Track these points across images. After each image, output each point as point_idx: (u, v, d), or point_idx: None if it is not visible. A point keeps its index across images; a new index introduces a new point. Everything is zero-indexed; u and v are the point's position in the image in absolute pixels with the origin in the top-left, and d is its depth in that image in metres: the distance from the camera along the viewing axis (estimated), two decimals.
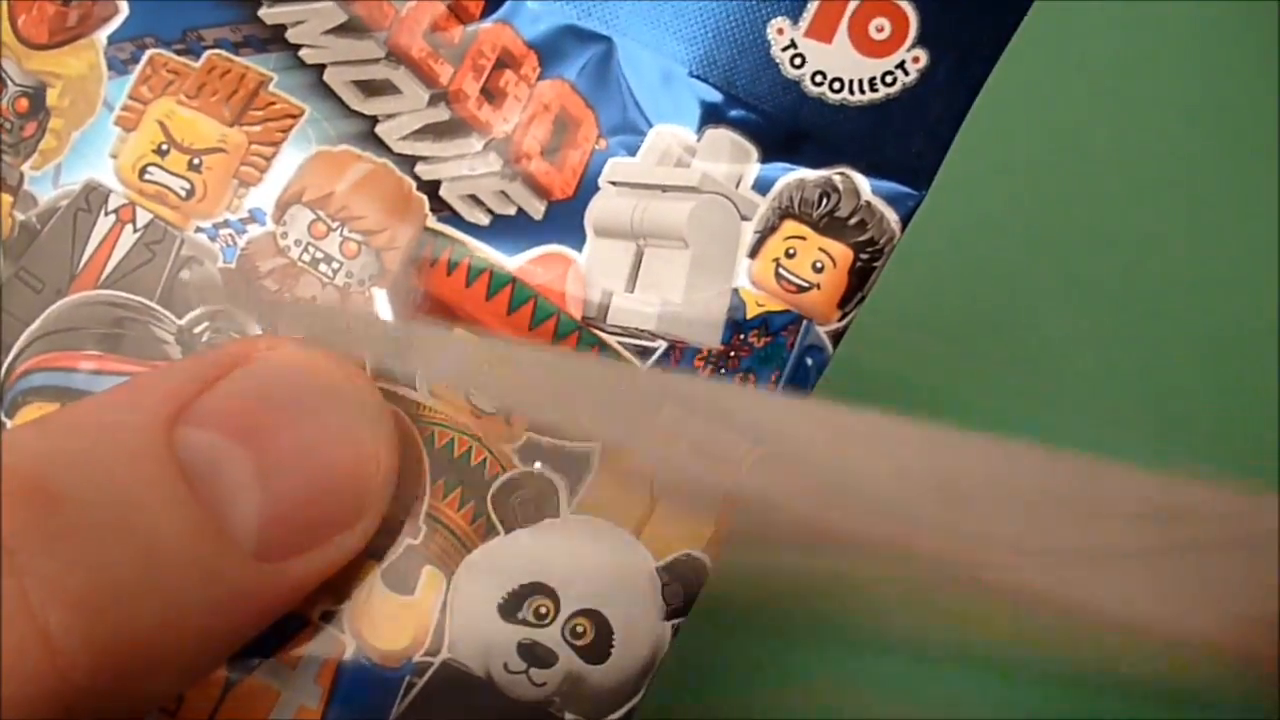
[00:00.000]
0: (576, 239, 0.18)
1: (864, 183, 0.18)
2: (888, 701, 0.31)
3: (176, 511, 0.15)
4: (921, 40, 0.18)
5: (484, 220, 0.18)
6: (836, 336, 0.18)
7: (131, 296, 0.18)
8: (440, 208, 0.18)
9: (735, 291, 0.18)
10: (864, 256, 0.18)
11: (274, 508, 0.16)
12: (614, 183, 0.18)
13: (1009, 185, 0.33)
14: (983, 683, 0.31)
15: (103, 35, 0.19)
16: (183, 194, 0.18)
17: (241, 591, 0.16)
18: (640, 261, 0.18)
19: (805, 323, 0.18)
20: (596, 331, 0.18)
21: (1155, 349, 0.33)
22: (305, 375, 0.17)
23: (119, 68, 0.18)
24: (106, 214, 0.18)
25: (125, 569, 0.14)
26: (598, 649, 0.18)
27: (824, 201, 0.18)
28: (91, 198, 0.18)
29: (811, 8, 0.18)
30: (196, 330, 0.18)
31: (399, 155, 0.18)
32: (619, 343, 0.18)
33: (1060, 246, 0.33)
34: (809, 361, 0.18)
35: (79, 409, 0.16)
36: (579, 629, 0.18)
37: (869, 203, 0.18)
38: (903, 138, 0.18)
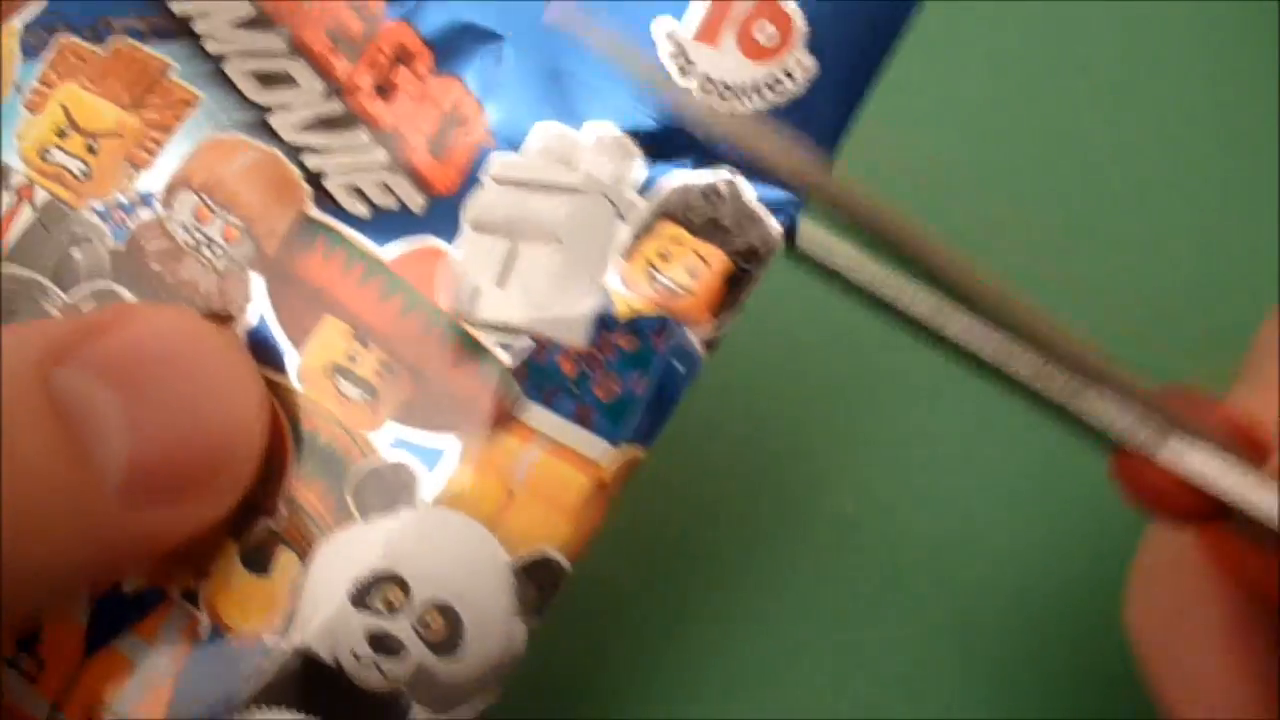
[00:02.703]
0: (453, 233, 0.18)
1: (748, 188, 0.18)
2: (887, 700, 0.30)
3: (43, 438, 0.15)
4: (809, 46, 0.18)
5: (364, 212, 0.18)
6: (709, 344, 0.18)
7: (26, 272, 0.19)
8: (323, 198, 0.18)
9: (605, 292, 0.18)
10: (742, 264, 0.18)
11: (141, 452, 0.16)
12: (496, 178, 0.18)
13: (1009, 186, 0.33)
14: (983, 682, 0.30)
15: (20, 22, 0.19)
16: (79, 175, 0.19)
17: (102, 527, 0.16)
18: (512, 258, 0.18)
19: (675, 327, 0.18)
20: (464, 325, 0.18)
21: (1155, 349, 0.32)
22: (185, 338, 0.17)
23: (31, 52, 0.19)
24: (7, 191, 0.19)
25: None
26: (448, 643, 0.18)
27: (706, 206, 0.18)
28: None
29: (699, 9, 0.18)
30: (84, 309, 0.19)
31: (288, 145, 0.19)
32: (485, 338, 0.18)
33: (1059, 247, 0.33)
34: (679, 367, 0.18)
35: None
36: (429, 621, 0.18)
37: (751, 209, 0.18)
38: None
